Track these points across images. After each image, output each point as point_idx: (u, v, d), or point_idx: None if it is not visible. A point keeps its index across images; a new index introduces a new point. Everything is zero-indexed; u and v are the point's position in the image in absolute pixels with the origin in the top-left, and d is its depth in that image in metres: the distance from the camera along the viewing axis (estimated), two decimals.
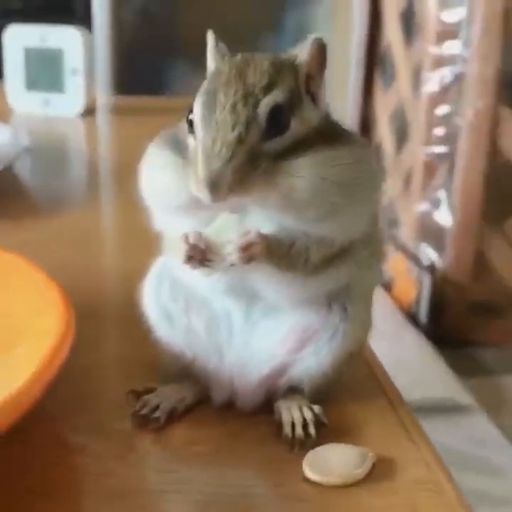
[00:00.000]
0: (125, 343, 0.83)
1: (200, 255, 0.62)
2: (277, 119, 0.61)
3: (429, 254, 2.94)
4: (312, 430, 0.67)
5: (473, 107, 2.66)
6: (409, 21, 2.95)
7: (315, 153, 0.61)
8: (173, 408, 0.71)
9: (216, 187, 0.59)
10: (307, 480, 0.63)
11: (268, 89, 0.61)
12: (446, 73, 2.76)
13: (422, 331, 2.84)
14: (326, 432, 0.68)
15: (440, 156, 2.87)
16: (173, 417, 0.71)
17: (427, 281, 2.89)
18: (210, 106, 0.61)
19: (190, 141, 0.63)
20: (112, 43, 2.74)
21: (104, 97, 2.23)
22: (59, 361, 0.63)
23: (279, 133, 0.61)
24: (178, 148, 0.65)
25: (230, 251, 0.62)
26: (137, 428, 0.69)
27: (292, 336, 0.69)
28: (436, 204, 2.90)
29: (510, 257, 2.68)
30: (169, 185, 0.64)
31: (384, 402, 0.73)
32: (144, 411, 0.70)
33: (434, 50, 2.80)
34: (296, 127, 0.62)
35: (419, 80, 2.91)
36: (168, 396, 0.72)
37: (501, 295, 2.85)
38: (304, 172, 0.60)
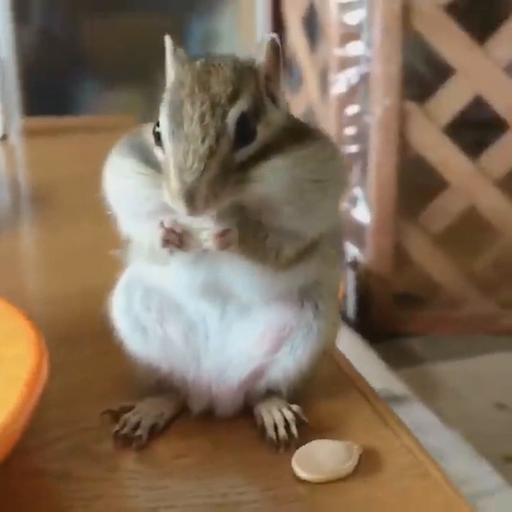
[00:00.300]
0: (95, 363, 0.82)
1: (177, 239, 0.62)
2: (244, 128, 0.62)
3: (351, 250, 3.00)
4: (294, 430, 0.68)
5: (380, 104, 2.73)
6: (312, 25, 3.00)
7: (285, 155, 0.62)
8: (153, 424, 0.71)
9: (192, 201, 0.59)
10: (298, 479, 0.63)
11: (233, 98, 0.61)
12: (352, 74, 2.83)
13: (351, 326, 2.90)
14: (308, 430, 0.69)
15: (353, 155, 2.94)
16: (154, 432, 0.70)
17: (351, 277, 2.95)
18: (177, 118, 0.61)
19: (158, 153, 0.63)
20: (17, 66, 2.68)
21: (15, 120, 2.18)
22: (38, 391, 0.61)
23: (247, 141, 0.62)
24: (143, 155, 0.65)
25: (206, 237, 0.62)
26: (120, 448, 0.68)
27: (268, 335, 0.70)
28: (353, 202, 2.96)
29: (427, 247, 2.76)
30: (139, 192, 0.64)
31: (357, 395, 0.75)
32: (125, 430, 0.70)
33: (338, 52, 2.86)
34: (263, 132, 0.63)
35: (326, 82, 2.97)
36: (146, 412, 0.71)
37: (422, 285, 2.93)
38: (278, 175, 0.61)
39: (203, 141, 0.60)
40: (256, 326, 0.70)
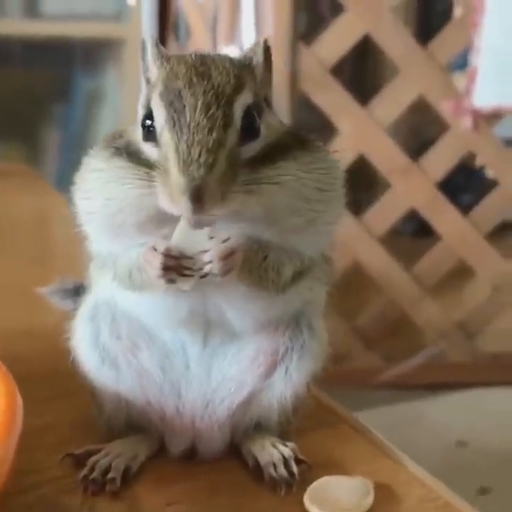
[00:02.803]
0: (52, 405, 0.71)
1: (175, 264, 0.54)
2: (250, 122, 0.56)
3: None
4: (294, 468, 0.61)
5: None
6: None
7: (293, 159, 0.57)
8: (126, 467, 0.61)
9: (199, 198, 0.51)
10: None
11: (238, 89, 0.56)
12: None
13: None
14: (306, 467, 0.62)
15: None
16: (128, 477, 0.61)
17: None
18: (176, 107, 0.54)
19: (149, 149, 0.56)
20: None
21: None
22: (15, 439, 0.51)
23: (253, 137, 0.56)
24: (130, 156, 0.57)
25: (209, 259, 0.55)
26: (91, 495, 0.59)
27: (261, 359, 0.63)
28: None
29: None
30: (128, 200, 0.55)
31: (346, 427, 0.70)
32: (94, 474, 0.60)
33: None
34: (264, 132, 0.57)
35: None
36: (117, 454, 0.62)
37: None
38: (286, 178, 0.56)
39: (210, 131, 0.53)
40: (246, 350, 0.63)
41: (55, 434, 0.67)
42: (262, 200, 0.55)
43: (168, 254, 0.54)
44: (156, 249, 0.54)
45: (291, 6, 2.29)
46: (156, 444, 0.64)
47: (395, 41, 2.31)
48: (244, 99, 0.56)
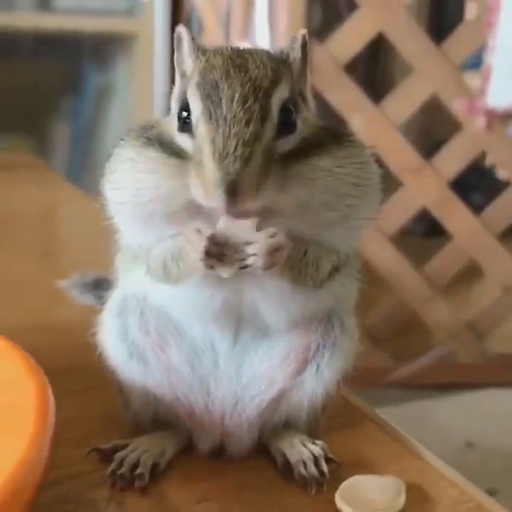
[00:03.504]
0: (78, 400, 0.70)
1: (218, 251, 0.53)
2: (287, 116, 0.55)
3: None
4: (324, 467, 0.60)
5: None
6: None
7: (328, 154, 0.56)
8: (154, 463, 0.60)
9: (234, 192, 0.50)
10: None
11: (275, 83, 0.55)
12: None
13: None
14: (335, 465, 0.61)
15: None
16: (156, 473, 0.60)
17: None
18: (213, 98, 0.53)
19: (184, 140, 0.55)
20: None
21: None
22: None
23: (289, 131, 0.55)
24: (164, 146, 0.56)
25: (254, 251, 0.53)
26: (118, 491, 0.58)
27: (292, 356, 0.61)
28: None
29: None
30: (160, 191, 0.54)
31: (372, 426, 0.69)
32: (123, 470, 0.59)
33: None
34: (300, 127, 0.56)
35: None
36: (145, 449, 0.61)
37: None
38: (321, 174, 0.55)
39: (247, 123, 0.52)
40: (277, 347, 0.62)
41: (79, 428, 0.66)
42: (297, 195, 0.54)
43: (212, 239, 0.53)
44: (200, 233, 0.53)
45: (304, 2, 2.28)
46: (184, 440, 0.63)
47: (409, 39, 2.30)
48: (281, 93, 0.55)
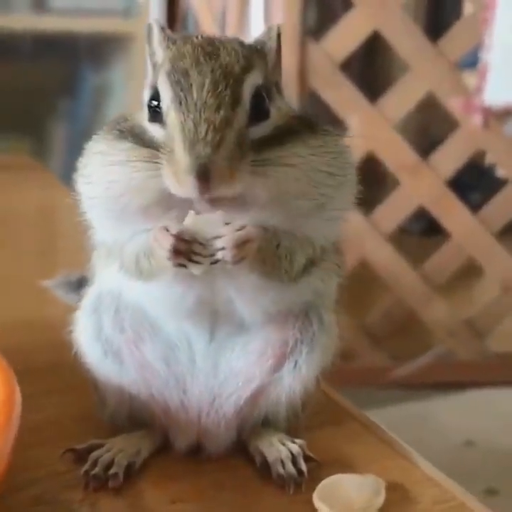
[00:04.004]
0: (52, 399, 0.69)
1: (186, 249, 0.52)
2: (260, 102, 0.54)
3: None
4: (303, 466, 0.59)
5: None
6: None
7: (303, 142, 0.55)
8: (129, 463, 0.60)
9: (205, 177, 0.49)
10: None
11: (247, 69, 0.54)
12: None
13: None
14: (315, 464, 0.60)
15: None
16: (131, 473, 0.59)
17: None
18: (183, 85, 0.52)
19: (155, 129, 0.54)
20: None
21: None
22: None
23: (262, 118, 0.54)
24: (137, 138, 0.55)
25: (222, 245, 0.52)
26: (92, 491, 0.57)
27: (269, 352, 0.60)
28: None
29: None
30: (132, 182, 0.53)
31: (356, 425, 0.68)
32: (96, 470, 0.58)
33: None
34: (274, 115, 0.56)
35: None
36: (120, 449, 0.60)
37: None
38: (295, 161, 0.54)
39: (217, 109, 0.51)
40: (254, 343, 0.61)
41: (55, 428, 0.65)
42: (270, 181, 0.53)
43: (179, 237, 0.52)
44: (167, 230, 0.52)
45: (300, 2, 2.27)
46: (160, 439, 0.62)
47: (405, 38, 2.29)
48: (253, 79, 0.54)
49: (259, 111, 0.54)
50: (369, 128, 2.38)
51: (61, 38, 2.75)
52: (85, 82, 2.78)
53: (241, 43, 0.57)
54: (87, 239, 0.63)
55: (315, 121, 0.60)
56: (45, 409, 0.67)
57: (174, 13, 2.77)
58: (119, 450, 0.60)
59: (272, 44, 0.58)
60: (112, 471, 0.58)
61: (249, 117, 0.53)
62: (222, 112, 0.51)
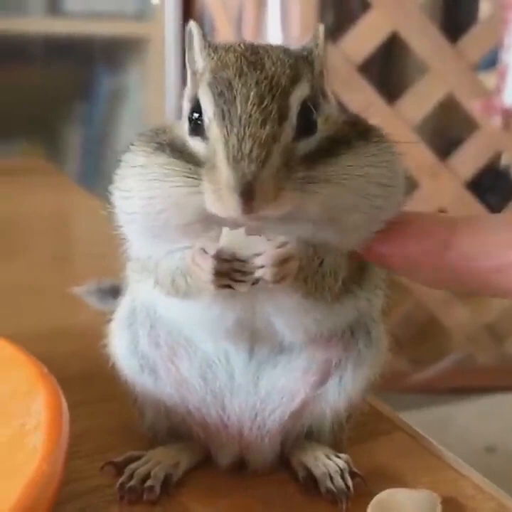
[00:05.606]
0: (91, 411, 0.67)
1: (228, 268, 0.49)
2: (307, 115, 0.51)
3: None
4: (349, 481, 0.57)
5: None
6: None
7: (355, 154, 0.52)
8: (167, 475, 0.57)
9: (249, 195, 0.46)
10: None
11: (294, 80, 0.51)
12: None
13: None
14: (359, 480, 0.58)
15: None
16: (168, 486, 0.57)
17: None
18: (226, 98, 0.49)
19: (196, 144, 0.51)
20: None
21: None
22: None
23: (310, 132, 0.51)
24: (176, 152, 0.51)
25: (262, 263, 0.49)
26: (127, 504, 0.55)
27: (313, 368, 0.58)
28: None
29: None
30: (172, 199, 0.50)
31: (403, 436, 0.65)
32: (132, 482, 0.56)
33: None
34: (322, 126, 0.52)
35: None
36: (158, 461, 0.58)
37: None
38: (349, 176, 0.51)
39: (263, 124, 0.48)
40: (297, 362, 0.58)
41: (92, 440, 0.63)
42: (320, 199, 0.49)
43: (219, 257, 0.49)
44: (206, 252, 0.49)
45: (317, 2, 2.25)
46: (201, 453, 0.60)
47: (423, 39, 2.27)
48: (300, 91, 0.51)
49: (306, 124, 0.51)
50: (387, 130, 2.35)
51: (76, 41, 2.74)
52: (100, 85, 2.77)
53: (286, 51, 0.53)
54: (118, 248, 0.61)
55: (366, 124, 0.57)
56: (81, 420, 0.64)
57: (189, 15, 2.76)
58: (157, 462, 0.58)
59: (320, 50, 0.55)
60: (147, 483, 0.56)
61: (296, 132, 0.50)
62: (268, 127, 0.48)
